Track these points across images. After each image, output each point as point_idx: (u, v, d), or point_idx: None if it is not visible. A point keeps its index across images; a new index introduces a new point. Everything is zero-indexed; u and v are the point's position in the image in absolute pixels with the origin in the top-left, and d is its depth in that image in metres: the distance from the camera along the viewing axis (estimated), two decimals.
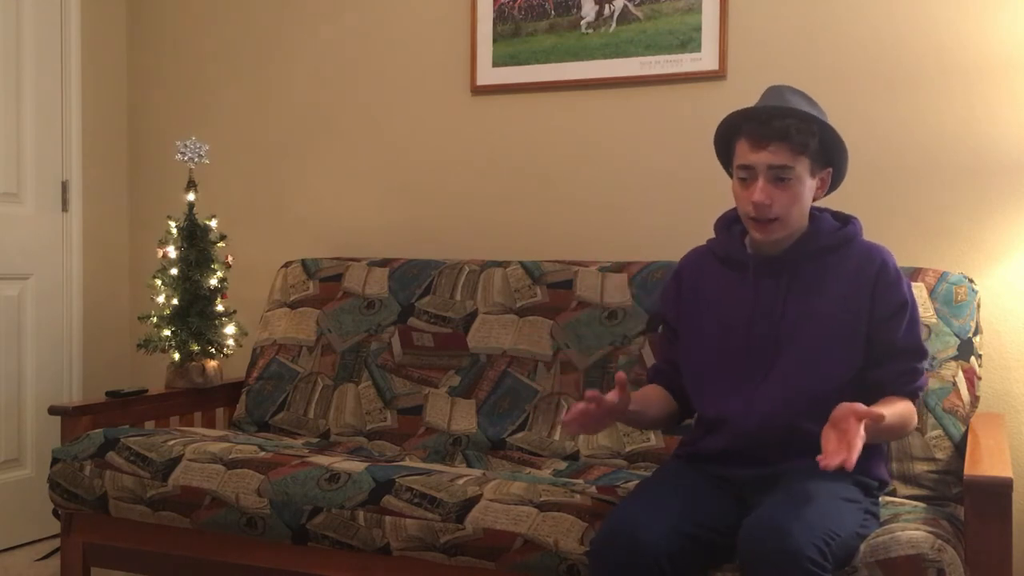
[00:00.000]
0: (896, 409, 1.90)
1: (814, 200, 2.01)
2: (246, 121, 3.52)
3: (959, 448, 2.25)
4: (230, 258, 3.04)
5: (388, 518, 2.15)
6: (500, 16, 3.13)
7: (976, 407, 2.34)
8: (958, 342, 2.34)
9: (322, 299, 3.07)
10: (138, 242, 3.68)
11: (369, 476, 2.22)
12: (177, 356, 2.94)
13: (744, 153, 1.95)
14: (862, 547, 1.80)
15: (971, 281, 2.42)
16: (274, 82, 3.48)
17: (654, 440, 2.56)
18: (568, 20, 3.05)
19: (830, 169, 2.01)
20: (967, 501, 1.82)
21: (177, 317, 2.93)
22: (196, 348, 2.94)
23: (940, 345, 2.34)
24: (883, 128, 2.73)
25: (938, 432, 2.27)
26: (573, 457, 2.61)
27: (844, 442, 1.70)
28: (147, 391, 2.91)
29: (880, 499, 2.03)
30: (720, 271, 2.08)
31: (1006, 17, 2.61)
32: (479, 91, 3.18)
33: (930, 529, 1.85)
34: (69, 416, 2.64)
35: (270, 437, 2.82)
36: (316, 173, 3.42)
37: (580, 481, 2.26)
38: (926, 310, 2.35)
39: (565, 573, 1.99)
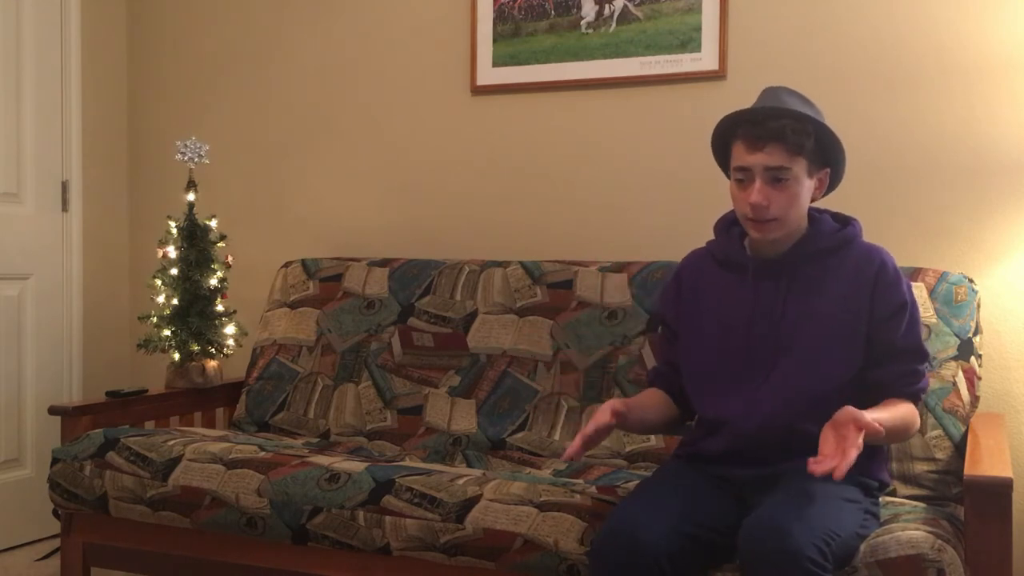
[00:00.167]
0: (898, 413, 1.90)
1: (812, 201, 2.00)
2: (246, 121, 3.52)
3: (959, 448, 2.25)
4: (230, 258, 3.05)
5: (388, 518, 2.15)
6: (500, 16, 3.13)
7: (976, 407, 2.34)
8: (958, 342, 2.34)
9: (322, 299, 3.07)
10: (138, 242, 3.68)
11: (369, 476, 2.22)
12: (177, 356, 2.94)
13: (740, 155, 1.95)
14: (862, 547, 1.80)
15: (971, 281, 2.42)
16: (274, 82, 3.48)
17: (654, 440, 2.56)
18: (568, 20, 3.05)
19: (828, 169, 2.01)
20: (967, 501, 1.82)
21: (177, 317, 2.93)
22: (196, 348, 2.94)
23: (940, 345, 2.34)
24: (883, 128, 2.73)
25: (938, 432, 2.27)
26: None
27: (840, 449, 1.70)
28: (147, 391, 2.91)
29: (880, 499, 2.03)
30: (719, 273, 2.08)
31: (1006, 17, 2.61)
32: (479, 91, 3.18)
33: (930, 529, 1.85)
34: (69, 416, 2.64)
35: (270, 437, 2.82)
36: (316, 173, 3.42)
37: (580, 481, 2.25)
38: (926, 310, 2.35)
39: (565, 573, 1.99)
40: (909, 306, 1.96)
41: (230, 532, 2.32)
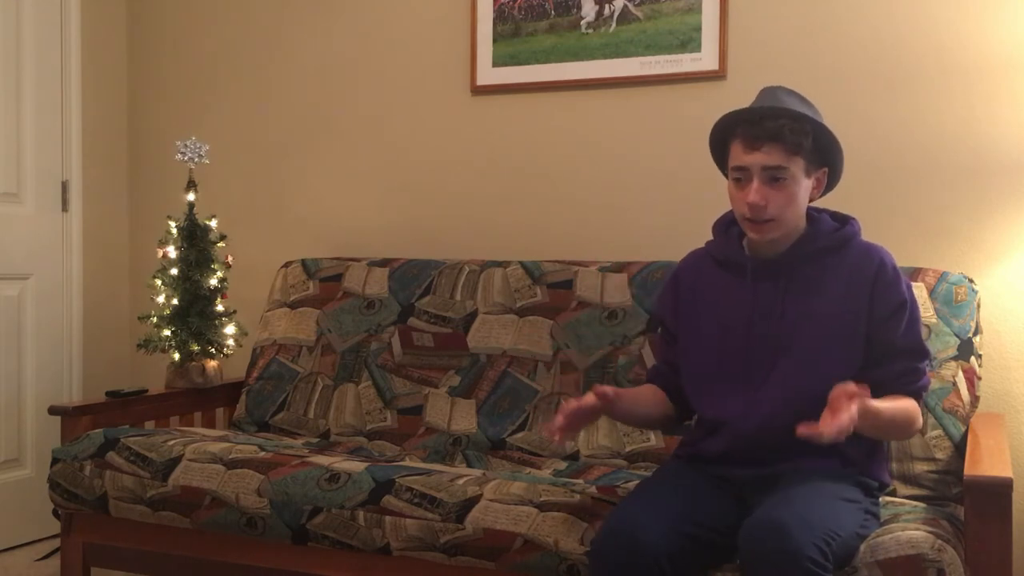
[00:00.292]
0: (898, 404, 1.90)
1: (811, 200, 2.00)
2: (246, 121, 3.52)
3: (959, 448, 2.25)
4: (230, 258, 3.05)
5: (388, 518, 2.15)
6: (500, 16, 3.13)
7: (976, 407, 2.34)
8: (958, 342, 2.34)
9: (322, 299, 3.07)
10: (138, 242, 3.68)
11: (369, 476, 2.22)
12: (177, 356, 2.94)
13: (738, 154, 1.95)
14: (862, 547, 1.80)
15: (971, 281, 2.42)
16: (274, 82, 3.48)
17: (654, 440, 2.56)
18: (568, 20, 3.05)
19: (826, 169, 2.01)
20: (967, 501, 1.82)
21: (177, 317, 2.93)
22: (196, 348, 2.94)
23: (940, 345, 2.34)
24: (883, 128, 2.73)
25: (938, 432, 2.27)
26: (573, 457, 2.61)
27: (831, 412, 1.70)
28: (147, 391, 2.91)
29: (880, 499, 2.03)
30: (718, 273, 2.08)
31: (1006, 17, 2.61)
32: (479, 91, 3.18)
33: (930, 529, 1.85)
34: (69, 416, 2.64)
35: (270, 437, 2.82)
36: (316, 173, 3.42)
37: (580, 481, 2.26)
38: (926, 310, 2.35)
39: (565, 573, 1.99)
40: (909, 305, 1.96)
41: (230, 532, 2.32)
